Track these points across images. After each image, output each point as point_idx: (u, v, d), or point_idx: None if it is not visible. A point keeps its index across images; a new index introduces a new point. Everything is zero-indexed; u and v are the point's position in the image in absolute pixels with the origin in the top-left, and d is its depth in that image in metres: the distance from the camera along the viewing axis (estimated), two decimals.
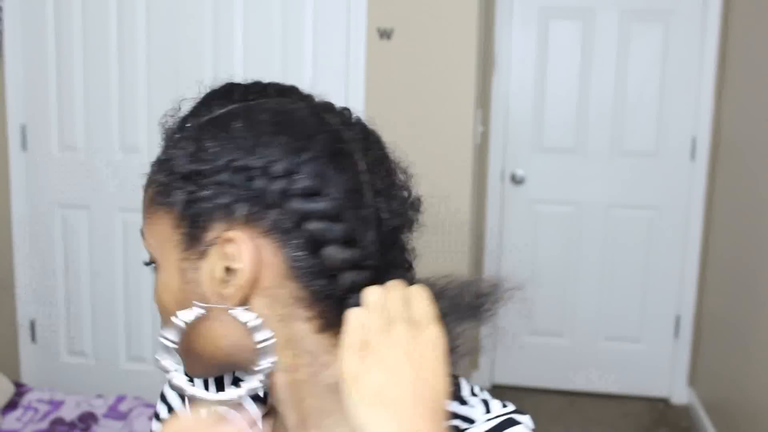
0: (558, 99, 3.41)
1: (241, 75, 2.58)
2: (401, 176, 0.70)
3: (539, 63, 3.40)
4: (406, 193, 0.69)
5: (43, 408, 2.33)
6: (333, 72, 2.76)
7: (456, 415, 0.70)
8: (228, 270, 0.62)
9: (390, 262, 0.67)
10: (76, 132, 2.88)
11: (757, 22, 2.81)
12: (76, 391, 2.56)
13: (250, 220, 0.61)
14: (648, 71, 3.31)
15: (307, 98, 0.72)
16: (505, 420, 0.68)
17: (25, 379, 2.97)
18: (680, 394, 3.47)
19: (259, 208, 0.61)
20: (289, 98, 0.69)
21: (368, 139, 0.68)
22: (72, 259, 2.96)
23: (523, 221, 3.50)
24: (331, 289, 0.62)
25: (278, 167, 0.60)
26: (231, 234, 0.61)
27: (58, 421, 2.24)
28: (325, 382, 0.66)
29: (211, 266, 0.62)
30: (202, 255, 0.62)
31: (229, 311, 0.62)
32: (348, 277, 0.61)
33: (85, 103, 2.87)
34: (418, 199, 0.71)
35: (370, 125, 0.71)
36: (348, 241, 0.61)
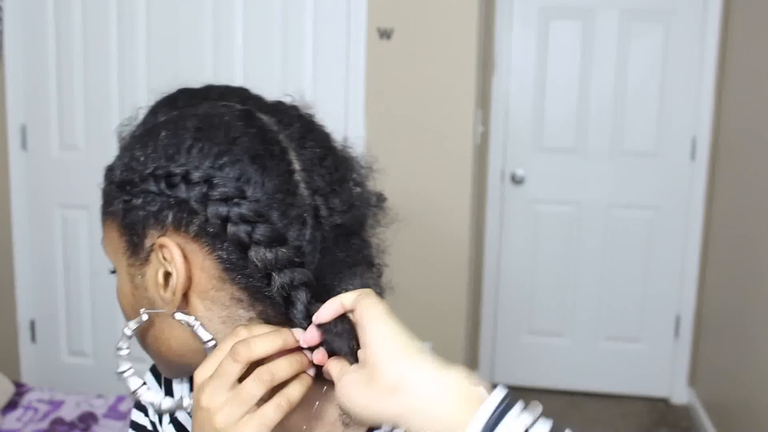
0: (558, 99, 3.41)
1: (241, 75, 2.60)
2: (354, 172, 0.69)
3: (539, 63, 3.40)
4: (358, 189, 0.68)
5: (43, 408, 2.33)
6: (333, 72, 2.76)
7: None
8: (167, 275, 0.63)
9: (338, 260, 0.66)
10: (76, 132, 2.88)
11: (757, 22, 2.81)
12: (76, 391, 2.56)
13: (178, 226, 0.62)
14: (648, 71, 3.31)
15: (251, 100, 0.71)
16: None
17: (25, 379, 2.97)
18: (680, 394, 3.47)
19: (185, 214, 0.62)
20: (227, 101, 0.68)
21: (306, 137, 0.67)
22: (72, 259, 2.96)
23: (523, 221, 3.50)
24: (267, 289, 0.62)
25: (197, 174, 0.61)
26: (161, 240, 0.62)
27: (58, 421, 2.24)
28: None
29: (153, 272, 0.64)
30: (145, 261, 0.64)
31: (173, 316, 0.64)
32: (284, 276, 0.61)
33: (85, 103, 2.87)
34: (379, 195, 0.70)
35: (318, 121, 0.71)
36: (274, 242, 0.61)
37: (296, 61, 2.76)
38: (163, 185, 0.62)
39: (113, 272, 0.70)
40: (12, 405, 2.33)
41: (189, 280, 0.63)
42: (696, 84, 3.26)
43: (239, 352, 0.59)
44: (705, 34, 3.22)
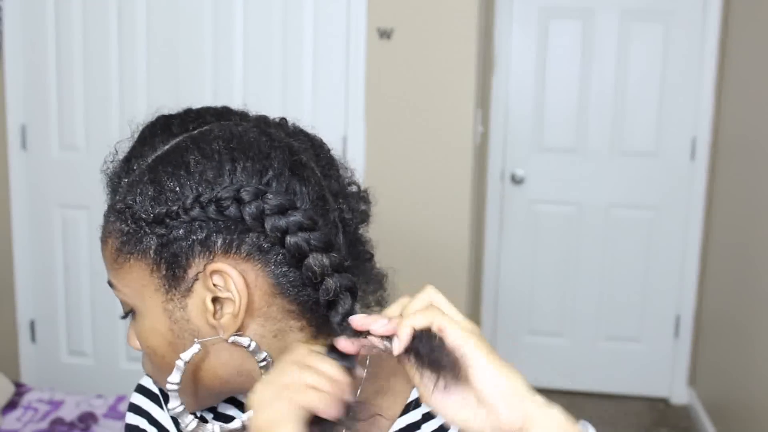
0: (558, 99, 3.40)
1: (241, 75, 2.61)
2: (348, 173, 0.72)
3: (539, 63, 3.40)
4: (355, 188, 0.71)
5: (43, 408, 2.33)
6: (333, 72, 2.76)
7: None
8: (215, 300, 0.63)
9: (356, 258, 0.70)
10: (76, 132, 2.88)
11: (757, 22, 2.81)
12: (76, 391, 2.56)
13: (228, 249, 0.62)
14: (648, 71, 3.31)
15: (245, 116, 0.71)
16: None
17: (25, 379, 2.97)
18: (680, 394, 3.47)
19: (236, 235, 0.62)
20: (230, 120, 0.69)
21: (315, 146, 0.70)
22: (72, 259, 2.96)
23: (523, 221, 3.50)
24: (316, 297, 0.63)
25: (247, 192, 0.61)
26: (214, 266, 0.62)
27: (58, 421, 2.24)
28: None
29: (199, 301, 0.63)
30: (187, 293, 0.63)
31: (229, 340, 0.63)
32: (332, 282, 0.62)
33: (85, 103, 2.87)
34: (366, 191, 0.73)
35: (309, 130, 0.72)
36: (327, 247, 0.62)
37: (296, 61, 2.76)
38: (211, 210, 0.61)
39: (125, 316, 0.68)
40: (12, 405, 2.33)
41: (249, 301, 0.62)
42: (696, 84, 3.26)
43: (308, 363, 0.60)
44: (705, 34, 3.22)
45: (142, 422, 0.79)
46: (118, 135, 3.09)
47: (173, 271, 0.63)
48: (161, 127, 0.67)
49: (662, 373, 3.49)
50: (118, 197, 0.65)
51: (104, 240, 0.67)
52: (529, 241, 3.50)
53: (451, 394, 0.59)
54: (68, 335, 3.02)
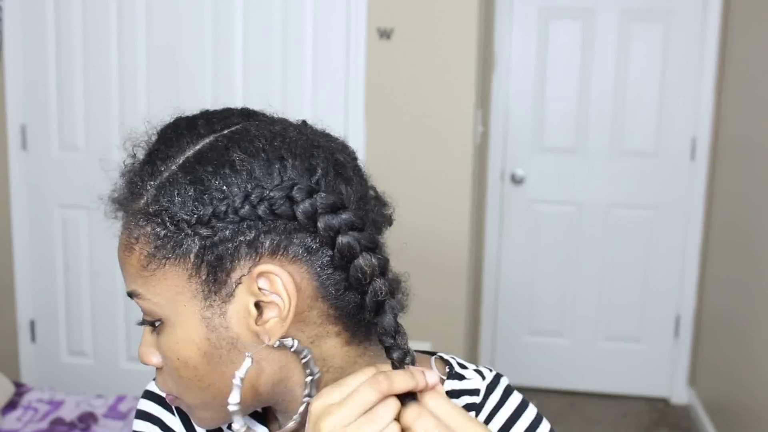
0: (558, 99, 3.40)
1: (241, 75, 2.61)
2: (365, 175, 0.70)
3: (539, 63, 3.40)
4: (372, 192, 0.69)
5: (43, 408, 2.33)
6: (333, 72, 2.76)
7: (463, 392, 0.72)
8: (258, 305, 0.60)
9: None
10: (76, 132, 2.88)
11: (757, 22, 2.81)
12: (76, 391, 2.56)
13: (276, 250, 0.59)
14: (648, 71, 3.31)
15: (267, 117, 0.68)
16: (501, 382, 0.75)
17: (25, 379, 2.97)
18: (680, 394, 3.47)
19: (284, 235, 0.59)
20: (256, 121, 0.66)
21: (343, 148, 0.68)
22: (72, 259, 2.96)
23: (523, 221, 3.50)
24: (356, 300, 0.62)
25: (301, 190, 0.59)
26: (262, 268, 0.59)
27: (58, 421, 2.24)
28: None
29: (240, 307, 0.60)
30: (228, 298, 0.60)
31: (275, 344, 0.61)
32: (380, 283, 0.60)
33: (85, 103, 2.87)
34: (384, 194, 0.72)
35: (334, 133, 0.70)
36: (374, 247, 0.61)
37: (296, 61, 2.76)
38: (263, 209, 0.58)
39: (152, 324, 0.63)
40: (12, 405, 2.33)
41: (297, 304, 0.60)
42: (696, 84, 3.26)
43: (382, 383, 0.55)
44: (705, 34, 3.22)
45: (153, 429, 0.77)
46: (118, 135, 3.09)
47: (215, 275, 0.60)
48: (186, 128, 0.64)
49: (662, 373, 3.49)
50: (145, 200, 0.61)
51: (129, 247, 0.62)
52: (529, 241, 3.50)
53: None
54: (68, 335, 3.02)
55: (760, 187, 2.64)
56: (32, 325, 3.02)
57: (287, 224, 0.59)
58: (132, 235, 0.62)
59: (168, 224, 0.60)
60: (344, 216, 0.60)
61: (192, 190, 0.59)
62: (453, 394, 0.72)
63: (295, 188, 0.59)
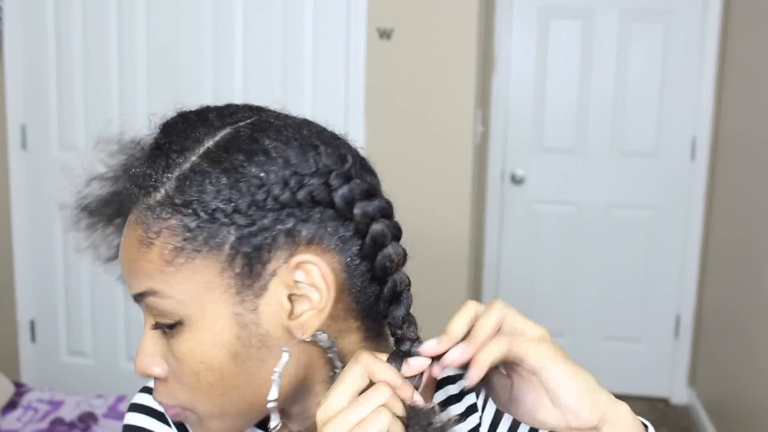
0: (558, 99, 3.41)
1: (241, 75, 2.61)
2: None
3: (539, 63, 3.40)
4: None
5: (43, 408, 2.33)
6: (333, 72, 2.76)
7: (458, 376, 0.72)
8: (291, 298, 0.58)
9: None
10: (76, 132, 2.88)
11: (757, 22, 2.81)
12: (76, 391, 2.56)
13: (312, 239, 0.57)
14: (648, 71, 3.31)
15: (272, 111, 0.67)
16: None
17: (25, 379, 2.97)
18: (680, 394, 3.47)
19: (320, 224, 0.58)
20: (265, 113, 0.64)
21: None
22: (72, 259, 2.96)
23: (523, 221, 3.50)
24: (375, 293, 0.61)
25: (339, 176, 0.58)
26: (301, 258, 0.57)
27: (58, 421, 2.24)
28: None
29: (274, 300, 0.58)
30: (261, 291, 0.57)
31: (307, 339, 0.59)
32: (400, 275, 0.60)
33: (85, 103, 2.87)
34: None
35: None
36: (400, 236, 0.61)
37: (296, 61, 2.76)
38: (302, 195, 0.56)
39: (170, 326, 0.59)
40: (12, 405, 2.32)
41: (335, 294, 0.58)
42: (696, 84, 3.26)
43: (365, 356, 0.55)
44: (705, 34, 3.22)
45: None
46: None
47: (251, 267, 0.56)
48: (198, 120, 0.61)
49: (662, 373, 3.49)
50: (164, 192, 0.57)
51: (145, 243, 0.58)
52: (529, 241, 3.50)
53: (526, 398, 0.59)
54: (68, 335, 3.02)
55: (761, 186, 2.64)
56: (32, 325, 3.02)
57: (323, 212, 0.57)
58: (150, 229, 0.57)
59: (201, 214, 0.56)
60: (377, 203, 0.59)
61: (225, 179, 0.56)
62: (449, 379, 0.73)
63: (333, 174, 0.58)
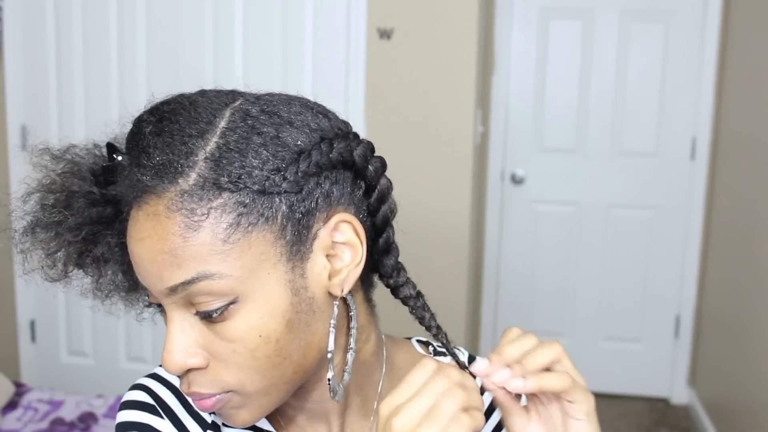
0: (558, 99, 3.41)
1: (241, 74, 2.60)
2: None
3: (539, 63, 3.40)
4: None
5: (43, 408, 2.33)
6: (333, 72, 2.76)
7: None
8: (328, 258, 0.61)
9: None
10: (76, 132, 2.88)
11: (757, 22, 2.81)
12: (76, 391, 2.56)
13: (340, 199, 0.61)
14: (648, 71, 3.31)
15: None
16: (477, 359, 0.72)
17: (25, 379, 2.97)
18: (680, 394, 3.47)
19: (345, 183, 0.62)
20: (242, 93, 0.68)
21: None
22: None
23: (523, 221, 3.50)
24: (370, 248, 0.64)
25: (355, 137, 0.63)
26: (340, 217, 0.60)
27: (58, 421, 2.24)
28: (362, 358, 0.68)
29: (316, 262, 0.60)
30: (307, 255, 0.59)
31: (344, 296, 0.62)
32: (394, 250, 0.66)
33: (85, 103, 2.87)
34: None
35: None
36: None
37: (296, 61, 2.76)
38: (335, 157, 0.60)
39: (225, 307, 0.58)
40: (12, 405, 2.33)
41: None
42: (696, 84, 3.26)
43: (450, 373, 0.56)
44: (705, 34, 3.22)
45: None
46: (118, 135, 3.06)
47: (299, 233, 0.58)
48: (199, 102, 0.62)
49: (662, 373, 3.49)
50: (198, 174, 0.56)
51: (193, 227, 0.56)
52: (529, 241, 3.50)
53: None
54: (68, 335, 3.02)
55: (761, 187, 2.64)
56: (32, 325, 3.02)
57: (345, 173, 0.61)
58: (195, 213, 0.56)
59: (252, 186, 0.56)
60: (380, 157, 0.64)
61: (264, 151, 0.57)
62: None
63: (351, 135, 0.62)
